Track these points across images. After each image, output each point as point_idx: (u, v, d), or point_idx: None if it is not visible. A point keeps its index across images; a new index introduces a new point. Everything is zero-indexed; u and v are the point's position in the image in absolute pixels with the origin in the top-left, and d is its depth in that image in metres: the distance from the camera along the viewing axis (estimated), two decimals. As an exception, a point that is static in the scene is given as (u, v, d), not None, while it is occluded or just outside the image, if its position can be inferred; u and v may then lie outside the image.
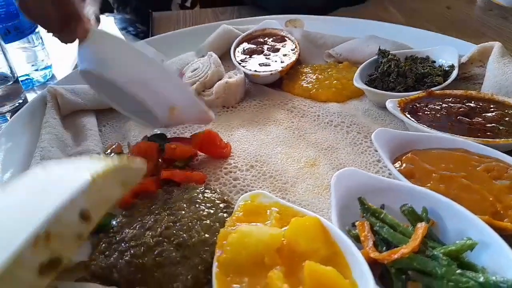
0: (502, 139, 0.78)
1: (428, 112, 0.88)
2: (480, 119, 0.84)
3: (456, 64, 1.02)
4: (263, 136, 0.94)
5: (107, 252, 0.64)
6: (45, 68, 1.26)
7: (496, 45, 1.03)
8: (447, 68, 1.03)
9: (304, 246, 0.57)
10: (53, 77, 1.28)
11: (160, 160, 0.79)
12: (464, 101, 0.89)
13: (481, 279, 0.51)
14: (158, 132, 0.89)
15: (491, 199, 0.65)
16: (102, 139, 0.93)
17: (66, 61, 1.33)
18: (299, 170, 0.83)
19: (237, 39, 1.21)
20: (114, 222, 0.69)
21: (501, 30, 1.45)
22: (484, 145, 0.75)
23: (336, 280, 0.52)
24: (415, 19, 1.52)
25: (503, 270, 0.54)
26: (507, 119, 0.84)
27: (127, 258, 0.62)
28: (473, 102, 0.89)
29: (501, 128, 0.82)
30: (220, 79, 1.05)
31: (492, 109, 0.87)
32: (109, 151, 0.85)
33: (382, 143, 0.77)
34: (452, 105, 0.89)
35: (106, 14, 1.69)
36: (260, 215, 0.64)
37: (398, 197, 0.66)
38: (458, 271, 0.52)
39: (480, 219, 0.59)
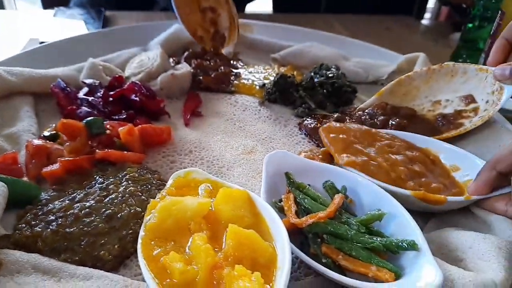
0: None
1: None
2: None
3: None
4: (205, 127, 0.97)
5: (32, 223, 0.63)
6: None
7: (421, 56, 1.15)
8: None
9: (229, 213, 0.59)
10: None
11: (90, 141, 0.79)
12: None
13: (385, 241, 0.57)
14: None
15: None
16: (39, 122, 0.91)
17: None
18: (236, 156, 0.87)
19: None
20: (43, 195, 0.68)
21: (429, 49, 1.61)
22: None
23: (256, 241, 0.55)
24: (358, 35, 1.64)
25: (408, 237, 0.60)
26: None
27: (53, 227, 0.61)
28: None
29: None
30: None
31: None
32: (47, 131, 0.84)
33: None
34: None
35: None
36: (192, 189, 0.66)
37: (322, 177, 0.72)
38: (367, 236, 0.58)
39: (389, 195, 0.65)
